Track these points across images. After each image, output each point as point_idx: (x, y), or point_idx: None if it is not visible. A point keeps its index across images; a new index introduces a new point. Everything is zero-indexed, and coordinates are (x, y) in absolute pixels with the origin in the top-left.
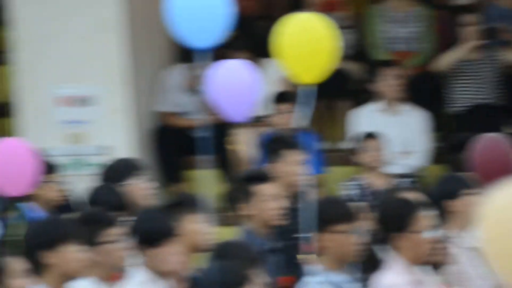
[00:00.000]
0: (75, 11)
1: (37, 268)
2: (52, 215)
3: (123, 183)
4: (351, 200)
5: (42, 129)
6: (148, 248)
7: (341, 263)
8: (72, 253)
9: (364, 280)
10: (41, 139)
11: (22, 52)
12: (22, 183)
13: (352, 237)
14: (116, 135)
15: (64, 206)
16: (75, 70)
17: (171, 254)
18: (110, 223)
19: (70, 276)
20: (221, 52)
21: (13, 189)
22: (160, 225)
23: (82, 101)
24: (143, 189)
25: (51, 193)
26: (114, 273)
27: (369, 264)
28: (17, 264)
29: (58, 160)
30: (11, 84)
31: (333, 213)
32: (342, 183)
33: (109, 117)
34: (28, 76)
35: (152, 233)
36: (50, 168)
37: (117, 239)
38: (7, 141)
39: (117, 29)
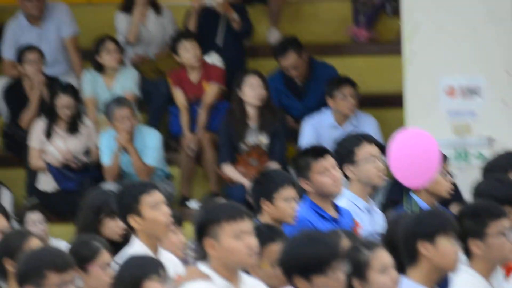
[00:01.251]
0: (465, 2)
1: (411, 259)
2: (437, 206)
3: (507, 175)
4: None
5: (429, 119)
6: None
7: None
8: (449, 247)
9: None
10: (428, 129)
11: (413, 42)
12: (425, 175)
13: None
14: (502, 126)
15: (450, 199)
16: (462, 60)
17: None
18: (499, 215)
19: (443, 270)
20: None
21: (415, 181)
22: None
23: (469, 92)
24: None
25: (440, 184)
26: (507, 264)
27: None
28: (384, 257)
29: (443, 151)
30: (402, 75)
31: None
32: None
33: (495, 108)
34: (417, 66)
35: None
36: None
37: (507, 231)
38: (411, 132)
39: (507, 20)
